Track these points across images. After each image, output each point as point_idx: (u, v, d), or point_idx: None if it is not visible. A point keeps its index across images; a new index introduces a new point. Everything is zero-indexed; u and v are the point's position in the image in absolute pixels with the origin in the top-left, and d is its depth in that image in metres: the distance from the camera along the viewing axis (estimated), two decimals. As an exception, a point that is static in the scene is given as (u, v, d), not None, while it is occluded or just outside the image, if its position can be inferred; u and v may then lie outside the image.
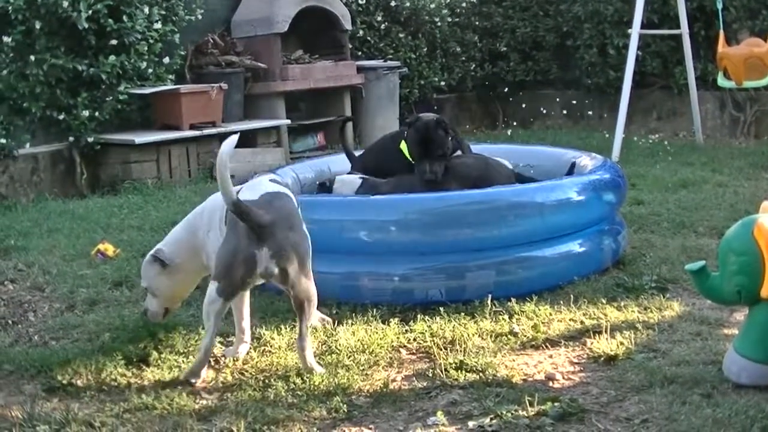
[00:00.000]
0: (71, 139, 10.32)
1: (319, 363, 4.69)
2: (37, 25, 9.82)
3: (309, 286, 4.57)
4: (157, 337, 5.17)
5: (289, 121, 11.90)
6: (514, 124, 14.68)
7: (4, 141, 9.70)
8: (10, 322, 5.80)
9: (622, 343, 4.77)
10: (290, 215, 4.58)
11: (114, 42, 10.37)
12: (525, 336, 5.00)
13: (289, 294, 4.57)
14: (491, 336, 5.00)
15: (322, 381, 4.47)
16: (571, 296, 5.50)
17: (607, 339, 4.83)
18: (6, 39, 9.67)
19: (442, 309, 5.26)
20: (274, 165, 8.34)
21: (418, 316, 5.22)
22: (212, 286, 4.50)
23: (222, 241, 4.58)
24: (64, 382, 4.71)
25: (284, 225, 4.47)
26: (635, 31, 10.81)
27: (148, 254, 5.04)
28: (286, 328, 5.21)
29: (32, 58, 9.90)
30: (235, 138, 4.36)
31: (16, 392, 4.68)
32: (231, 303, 4.66)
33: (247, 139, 11.18)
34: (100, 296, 6.10)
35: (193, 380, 4.58)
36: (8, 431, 4.10)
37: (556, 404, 4.10)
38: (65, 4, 9.80)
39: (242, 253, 4.39)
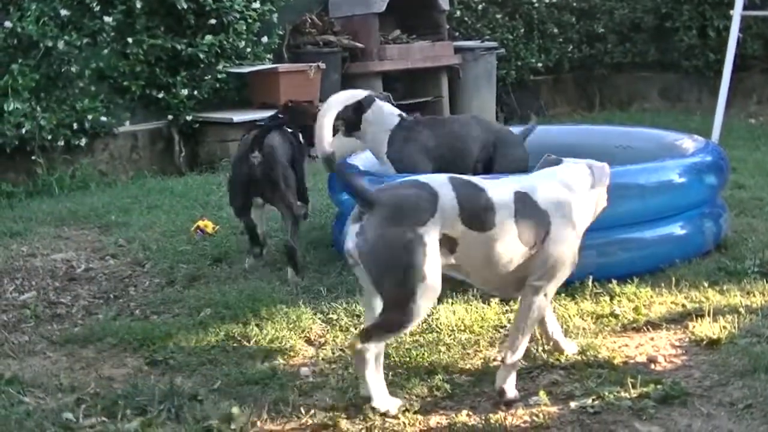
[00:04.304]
0: (170, 117, 10.46)
1: (418, 341, 4.71)
2: (138, 5, 9.96)
3: (389, 311, 3.93)
4: (259, 314, 5.21)
5: (386, 101, 11.87)
6: (611, 106, 14.52)
7: (104, 119, 9.85)
8: (111, 296, 5.90)
9: (724, 327, 4.69)
10: (403, 210, 3.91)
11: (212, 21, 10.49)
12: (626, 318, 4.95)
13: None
14: (592, 317, 4.96)
15: (423, 359, 4.48)
16: (672, 279, 5.42)
17: (709, 323, 4.77)
18: (107, 19, 9.81)
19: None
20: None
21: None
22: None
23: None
24: (167, 355, 4.79)
25: (382, 219, 3.88)
26: (737, 12, 10.59)
27: None
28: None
29: (132, 38, 10.04)
30: (346, 94, 4.08)
31: (119, 365, 4.77)
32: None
33: (344, 119, 11.22)
34: (200, 272, 6.18)
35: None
36: (114, 402, 4.17)
37: (658, 387, 4.07)
38: (165, -16, 9.95)
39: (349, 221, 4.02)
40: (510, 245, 4.02)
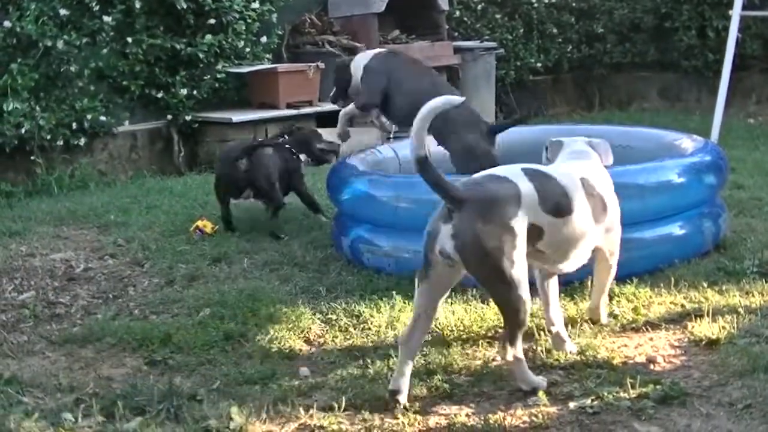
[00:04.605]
0: (169, 117, 10.44)
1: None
2: (137, 5, 9.93)
3: (502, 290, 4.06)
4: (258, 314, 5.21)
5: (385, 101, 11.85)
6: (611, 106, 14.51)
7: (104, 119, 9.83)
8: (110, 296, 5.90)
9: (723, 328, 4.70)
10: (494, 203, 4.04)
11: (212, 21, 10.47)
12: (625, 318, 4.96)
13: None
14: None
15: (422, 359, 4.48)
16: (672, 279, 5.43)
17: (708, 323, 4.77)
18: (106, 18, 9.78)
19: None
20: (370, 144, 8.31)
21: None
22: None
23: None
24: (166, 355, 4.80)
25: (481, 215, 3.98)
26: (736, 12, 10.59)
27: None
28: (385, 306, 5.24)
29: (131, 38, 10.03)
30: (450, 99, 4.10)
31: (118, 365, 4.78)
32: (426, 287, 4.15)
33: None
34: (199, 272, 6.18)
35: (391, 387, 4.13)
36: (113, 402, 4.17)
37: (657, 387, 4.08)
38: (164, -17, 9.95)
39: (431, 224, 4.09)
40: (587, 225, 4.40)
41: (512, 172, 4.23)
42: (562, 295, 5.16)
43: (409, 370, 4.14)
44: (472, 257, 3.97)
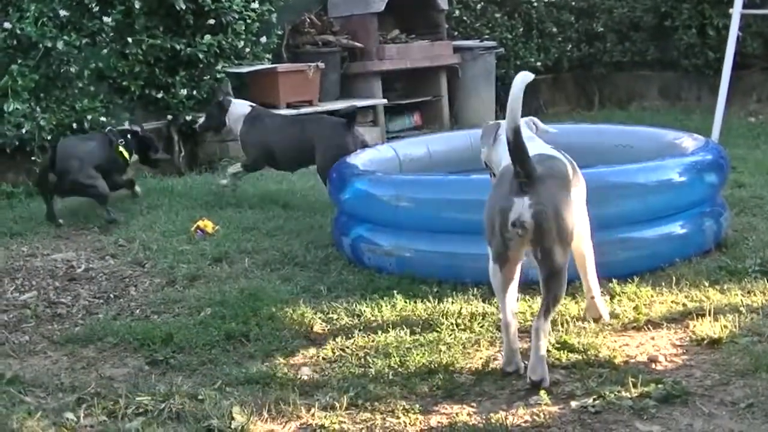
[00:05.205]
0: (169, 117, 10.45)
1: (418, 341, 4.72)
2: (137, 6, 9.94)
3: (560, 269, 4.24)
4: (259, 313, 5.21)
5: (385, 101, 11.90)
6: (611, 105, 14.51)
7: (104, 119, 9.82)
8: (112, 296, 5.91)
9: (725, 327, 4.69)
10: (564, 182, 4.38)
11: (211, 21, 10.47)
12: (626, 317, 4.95)
13: (536, 263, 4.29)
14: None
15: (424, 358, 4.48)
16: (673, 278, 5.42)
17: (710, 322, 4.76)
18: (106, 19, 9.78)
19: (542, 288, 5.22)
20: (370, 144, 8.32)
21: (519, 296, 5.17)
22: (489, 255, 4.37)
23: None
24: (167, 355, 4.81)
25: (554, 186, 4.28)
26: (736, 10, 10.56)
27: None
28: (386, 305, 5.24)
29: (131, 38, 10.03)
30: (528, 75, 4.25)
31: (120, 364, 4.79)
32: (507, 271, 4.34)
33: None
34: (200, 272, 6.18)
35: (509, 369, 4.32)
36: (114, 402, 4.17)
37: (659, 386, 4.07)
38: (164, -16, 9.95)
39: (500, 202, 4.23)
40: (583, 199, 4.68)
41: (555, 151, 4.54)
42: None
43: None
44: (551, 224, 4.17)
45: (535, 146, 4.53)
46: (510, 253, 4.27)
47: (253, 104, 8.46)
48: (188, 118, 10.38)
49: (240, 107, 8.30)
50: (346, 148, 7.25)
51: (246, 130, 8.15)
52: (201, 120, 8.75)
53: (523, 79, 4.22)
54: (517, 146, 4.15)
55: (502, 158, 4.60)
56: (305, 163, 8.00)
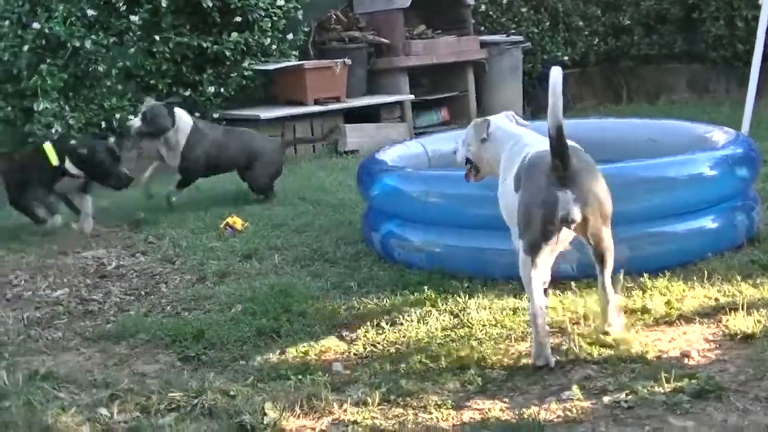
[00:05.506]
0: (197, 114, 10.43)
1: (449, 336, 4.71)
2: (164, 4, 10.01)
3: (610, 240, 4.45)
4: (290, 310, 5.22)
5: (412, 96, 11.88)
6: (639, 98, 14.45)
7: (132, 117, 9.86)
8: (143, 293, 5.94)
9: (759, 321, 4.64)
10: (595, 168, 4.48)
11: (238, 19, 10.52)
12: (658, 312, 4.90)
13: (588, 245, 4.46)
14: (624, 311, 4.93)
15: (455, 353, 4.48)
16: (705, 273, 5.37)
17: (743, 316, 4.71)
18: (134, 18, 9.85)
19: (573, 284, 5.19)
20: (398, 140, 8.33)
21: (549, 290, 5.15)
22: (519, 248, 4.42)
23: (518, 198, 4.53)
24: (199, 351, 4.82)
25: (590, 175, 4.39)
26: (766, 1, 10.50)
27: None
28: (417, 301, 5.24)
29: (158, 37, 10.08)
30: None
31: (152, 361, 4.81)
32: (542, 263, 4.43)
33: (370, 115, 11.25)
34: (230, 268, 6.20)
35: (539, 363, 4.32)
36: (147, 398, 4.20)
37: (692, 381, 4.03)
38: (191, -18, 9.98)
39: (541, 195, 4.30)
40: None
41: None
42: (594, 288, 5.16)
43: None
44: (596, 214, 4.33)
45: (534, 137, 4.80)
46: (548, 245, 4.34)
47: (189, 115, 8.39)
48: (215, 115, 10.41)
49: (186, 117, 8.17)
50: (281, 168, 8.16)
51: (192, 143, 8.05)
52: (136, 123, 8.12)
53: (559, 72, 4.29)
54: (559, 141, 4.21)
55: (501, 153, 4.90)
56: (225, 172, 8.49)
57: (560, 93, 4.24)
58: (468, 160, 5.26)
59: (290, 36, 11.14)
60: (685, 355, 4.40)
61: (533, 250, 4.33)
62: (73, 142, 8.25)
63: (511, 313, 4.97)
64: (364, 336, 4.87)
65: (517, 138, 4.94)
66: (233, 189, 8.67)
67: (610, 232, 4.44)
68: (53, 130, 9.02)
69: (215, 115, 10.40)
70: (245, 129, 8.92)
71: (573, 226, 4.31)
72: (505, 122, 5.16)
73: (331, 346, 4.78)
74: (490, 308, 5.04)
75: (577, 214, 4.27)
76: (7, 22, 9.05)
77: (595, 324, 4.66)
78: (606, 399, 3.97)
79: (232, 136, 8.39)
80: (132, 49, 10.02)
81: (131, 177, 7.56)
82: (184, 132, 8.06)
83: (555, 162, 4.24)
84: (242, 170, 8.31)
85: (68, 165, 7.36)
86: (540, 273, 4.39)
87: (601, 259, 4.47)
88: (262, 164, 8.19)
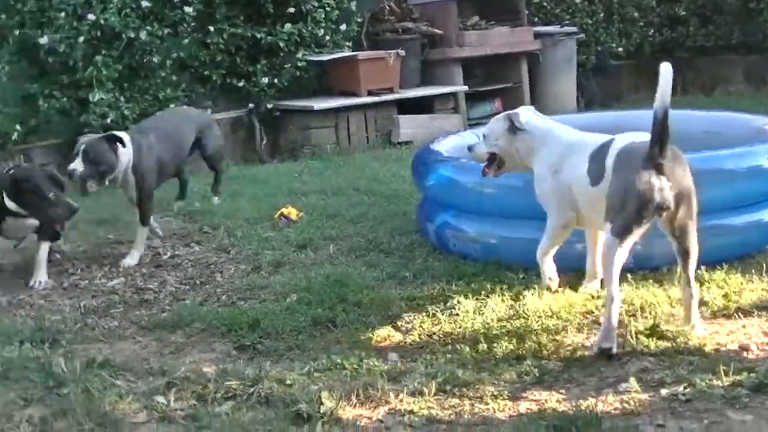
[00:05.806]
0: (251, 105, 10.54)
1: (505, 327, 4.70)
2: (218, -5, 10.06)
3: (695, 235, 4.49)
4: (345, 300, 5.23)
5: (466, 87, 11.83)
6: (694, 90, 14.29)
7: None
8: (198, 282, 5.97)
9: (818, 315, 4.61)
10: (686, 161, 4.54)
11: (291, 10, 10.53)
12: (716, 305, 4.87)
13: (672, 239, 4.50)
14: (681, 304, 4.88)
15: (511, 344, 4.47)
16: (763, 265, 5.33)
17: (802, 310, 4.68)
18: (188, 9, 9.89)
19: (629, 276, 5.14)
20: (452, 131, 8.30)
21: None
22: (606, 231, 4.47)
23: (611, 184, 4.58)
24: (254, 340, 4.84)
25: (683, 166, 4.48)
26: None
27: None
28: (472, 292, 5.22)
29: (212, 27, 10.12)
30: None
31: (207, 349, 4.84)
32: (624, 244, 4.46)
33: (424, 106, 11.23)
34: (285, 258, 6.21)
35: (605, 345, 4.35)
36: (203, 386, 4.22)
37: (751, 375, 4.00)
38: (245, -26, 10.03)
39: (639, 181, 4.34)
40: None
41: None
42: (651, 281, 5.13)
43: None
44: (689, 204, 4.42)
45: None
46: (639, 229, 4.40)
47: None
48: (269, 106, 10.45)
49: (123, 137, 6.50)
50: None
51: (138, 159, 6.57)
52: (78, 168, 6.29)
53: (669, 67, 4.41)
54: (664, 129, 4.30)
55: (538, 144, 5.12)
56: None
57: (670, 83, 4.34)
58: (491, 155, 5.32)
59: (343, 27, 11.14)
60: (744, 348, 4.36)
61: (624, 233, 4.38)
62: (6, 170, 6.36)
63: (567, 304, 4.94)
64: (420, 326, 4.87)
65: (551, 129, 5.20)
66: (288, 180, 8.69)
67: (695, 227, 4.48)
68: (108, 120, 9.08)
69: (269, 106, 10.43)
70: (166, 112, 8.42)
71: (665, 214, 4.37)
72: (532, 115, 5.31)
73: (387, 335, 4.80)
74: (546, 300, 5.02)
75: (671, 201, 4.33)
76: (62, 14, 9.09)
77: (679, 320, 4.65)
78: (663, 392, 3.96)
79: (164, 137, 6.98)
80: (186, 40, 10.06)
81: (77, 207, 6.13)
82: (126, 154, 6.51)
83: (653, 150, 4.33)
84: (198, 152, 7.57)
85: (6, 201, 6.08)
86: (622, 257, 4.41)
87: (685, 254, 4.50)
88: (211, 136, 7.64)
